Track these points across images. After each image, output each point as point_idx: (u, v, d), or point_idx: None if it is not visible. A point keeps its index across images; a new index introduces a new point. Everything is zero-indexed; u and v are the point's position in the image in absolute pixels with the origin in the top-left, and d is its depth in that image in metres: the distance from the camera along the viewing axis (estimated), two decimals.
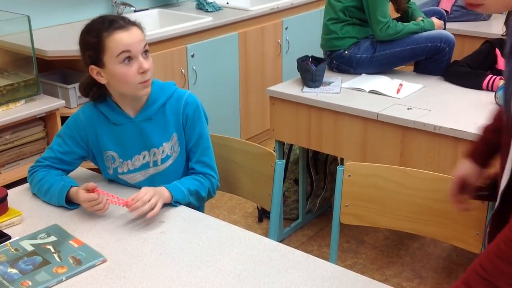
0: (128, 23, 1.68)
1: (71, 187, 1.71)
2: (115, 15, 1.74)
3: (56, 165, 1.82)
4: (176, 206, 1.73)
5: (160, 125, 1.79)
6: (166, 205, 1.71)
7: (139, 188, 1.71)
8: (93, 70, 1.70)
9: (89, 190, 1.65)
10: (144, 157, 1.82)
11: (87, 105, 1.84)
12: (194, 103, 1.82)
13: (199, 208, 1.92)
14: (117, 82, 1.70)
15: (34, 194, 1.80)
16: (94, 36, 1.66)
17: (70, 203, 1.71)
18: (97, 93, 1.77)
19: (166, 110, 1.80)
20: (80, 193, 1.66)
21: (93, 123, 1.80)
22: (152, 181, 1.82)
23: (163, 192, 1.70)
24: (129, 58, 1.66)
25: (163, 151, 1.81)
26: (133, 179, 1.84)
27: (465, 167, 1.50)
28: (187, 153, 1.86)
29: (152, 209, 1.62)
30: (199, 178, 1.82)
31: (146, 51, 1.70)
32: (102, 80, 1.71)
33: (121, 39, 1.65)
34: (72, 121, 1.83)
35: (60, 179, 1.75)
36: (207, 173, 1.84)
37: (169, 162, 1.83)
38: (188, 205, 1.76)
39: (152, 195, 1.64)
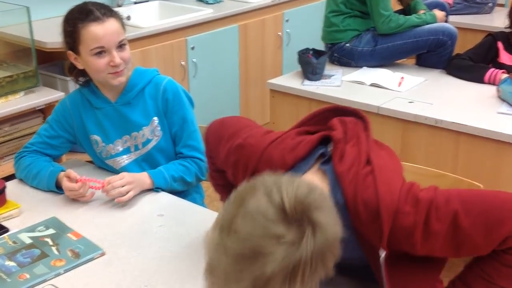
0: (104, 15, 1.69)
1: (61, 171, 1.74)
2: (95, 4, 1.74)
3: (43, 150, 1.86)
4: (157, 191, 1.75)
5: (139, 109, 1.82)
6: (148, 190, 1.74)
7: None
8: (71, 55, 1.76)
9: (70, 179, 1.68)
10: (125, 142, 1.84)
11: (74, 91, 1.89)
12: (173, 88, 1.84)
13: (196, 190, 1.94)
14: (90, 71, 1.76)
15: (22, 180, 1.82)
16: (71, 25, 1.71)
17: (59, 188, 1.74)
18: (78, 74, 1.81)
19: (145, 94, 1.82)
20: (63, 181, 1.70)
21: (78, 107, 1.84)
22: (138, 165, 1.85)
23: (143, 179, 1.73)
24: (102, 51, 1.70)
25: (143, 135, 1.83)
26: (118, 163, 1.86)
27: None
28: (173, 137, 1.87)
29: (122, 196, 1.65)
30: (185, 163, 1.83)
31: (122, 44, 1.72)
32: (79, 65, 1.76)
33: (95, 33, 1.67)
34: (59, 107, 1.88)
35: (49, 164, 1.80)
36: (195, 157, 1.85)
37: (151, 145, 1.84)
38: (172, 190, 1.78)
39: (126, 182, 1.67)
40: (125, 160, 1.86)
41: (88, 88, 1.83)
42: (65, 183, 1.68)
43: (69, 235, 1.52)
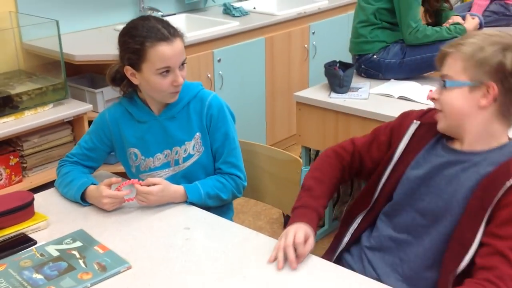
0: (172, 35, 1.68)
1: (92, 184, 1.75)
2: (159, 20, 1.71)
3: (83, 162, 1.87)
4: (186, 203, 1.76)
5: (183, 124, 1.81)
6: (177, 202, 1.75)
7: None
8: (128, 70, 1.73)
9: (119, 188, 1.70)
10: (166, 156, 1.83)
11: (113, 104, 1.89)
12: (218, 104, 1.82)
13: (228, 207, 1.93)
14: (149, 88, 1.74)
15: (61, 195, 1.82)
16: (137, 43, 1.66)
17: (84, 201, 1.74)
18: (127, 85, 1.79)
19: (190, 109, 1.81)
20: (101, 188, 1.69)
21: (117, 120, 1.83)
22: (176, 180, 1.82)
23: (176, 191, 1.73)
24: (167, 71, 1.68)
25: (185, 150, 1.82)
26: (157, 176, 1.84)
27: (310, 234, 1.50)
28: (213, 153, 1.86)
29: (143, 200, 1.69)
30: (223, 180, 1.82)
31: (183, 63, 1.72)
32: (135, 81, 1.74)
33: (164, 53, 1.66)
34: (98, 119, 1.88)
35: (83, 176, 1.80)
36: (233, 174, 1.84)
37: (191, 161, 1.83)
38: (206, 206, 1.77)
39: (157, 191, 1.68)
40: (162, 174, 1.84)
41: (130, 100, 1.83)
42: (106, 190, 1.68)
43: (96, 248, 1.52)
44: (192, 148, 1.82)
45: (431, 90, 1.53)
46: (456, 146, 1.50)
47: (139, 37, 1.67)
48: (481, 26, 3.06)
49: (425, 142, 1.56)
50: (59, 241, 1.55)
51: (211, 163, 1.86)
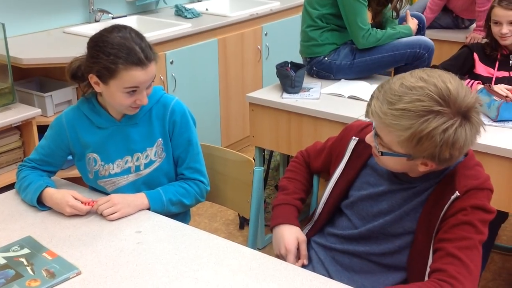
0: (148, 59, 1.64)
1: (47, 187, 1.71)
2: (136, 38, 1.65)
3: (41, 167, 1.85)
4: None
5: (145, 130, 1.79)
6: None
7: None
8: (93, 79, 1.68)
9: (83, 203, 1.68)
10: (126, 162, 1.80)
11: (70, 107, 1.85)
12: (181, 110, 1.81)
13: (186, 213, 1.94)
14: (111, 100, 1.71)
15: (7, 203, 1.78)
16: (111, 62, 1.61)
17: (41, 204, 1.71)
18: (88, 86, 1.74)
19: (152, 115, 1.79)
20: (68, 197, 1.67)
21: (75, 124, 1.80)
22: (136, 187, 1.81)
23: (137, 200, 1.72)
24: (134, 91, 1.66)
25: (146, 156, 1.80)
26: (115, 184, 1.82)
27: (295, 233, 1.65)
28: (175, 159, 1.85)
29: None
30: (186, 186, 1.82)
31: (150, 83, 1.70)
32: (98, 89, 1.70)
33: (136, 77, 1.63)
34: (55, 123, 1.84)
35: (39, 179, 1.77)
36: (196, 179, 1.84)
37: (153, 167, 1.81)
38: (169, 212, 1.76)
39: (112, 204, 1.67)
40: (122, 181, 1.82)
41: (88, 105, 1.78)
42: (73, 201, 1.67)
43: (44, 254, 1.49)
44: (154, 154, 1.80)
45: (368, 138, 1.47)
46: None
47: (114, 56, 1.61)
48: (424, 29, 3.15)
49: (362, 160, 1.59)
50: (6, 249, 1.52)
51: (172, 169, 1.85)
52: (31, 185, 1.75)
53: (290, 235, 1.63)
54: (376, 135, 1.43)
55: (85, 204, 1.68)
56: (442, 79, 1.34)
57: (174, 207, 1.78)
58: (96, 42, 1.65)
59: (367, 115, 1.42)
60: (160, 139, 1.80)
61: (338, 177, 1.63)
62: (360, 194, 1.57)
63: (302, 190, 1.76)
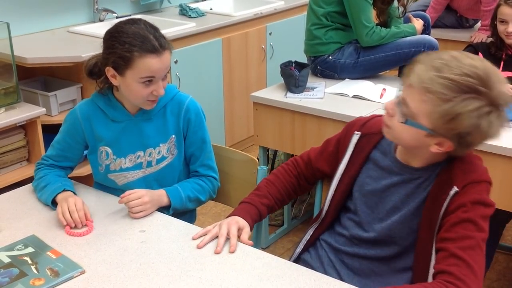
0: (162, 47, 1.65)
1: (64, 190, 1.72)
2: (150, 28, 1.68)
3: (59, 163, 1.85)
4: (167, 213, 1.74)
5: (159, 125, 1.80)
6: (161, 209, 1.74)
7: (129, 189, 1.73)
8: (110, 71, 1.69)
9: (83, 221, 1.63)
10: (138, 157, 1.82)
11: (84, 100, 1.85)
12: (195, 108, 1.83)
13: (192, 213, 1.96)
14: (129, 93, 1.72)
15: (13, 202, 1.78)
16: (126, 51, 1.63)
17: (55, 204, 1.71)
18: (104, 82, 1.76)
19: (166, 112, 1.80)
20: (69, 206, 1.64)
21: (89, 117, 1.80)
22: (147, 182, 1.82)
23: (160, 198, 1.73)
24: (150, 81, 1.67)
25: (159, 151, 1.81)
26: (125, 178, 1.83)
27: (238, 221, 1.59)
28: (188, 156, 1.87)
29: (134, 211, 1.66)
30: (201, 182, 1.84)
31: (165, 75, 1.70)
32: (115, 82, 1.71)
33: (151, 65, 1.64)
34: (69, 117, 1.84)
35: (58, 180, 1.78)
36: (210, 175, 1.87)
37: (164, 163, 1.82)
38: (185, 209, 1.81)
39: (142, 203, 1.66)
40: (133, 176, 1.83)
41: (104, 99, 1.79)
42: (67, 216, 1.61)
43: (48, 253, 1.49)
44: (166, 151, 1.81)
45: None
46: (405, 159, 1.50)
47: (129, 44, 1.62)
48: (429, 28, 3.14)
49: (364, 154, 1.58)
50: (11, 248, 1.52)
51: (182, 166, 1.87)
52: (48, 186, 1.75)
53: (237, 226, 1.56)
54: (402, 103, 1.36)
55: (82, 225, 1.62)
56: (488, 64, 1.34)
57: (191, 203, 1.82)
58: (112, 34, 1.68)
59: (404, 77, 1.36)
60: (173, 135, 1.81)
61: (342, 173, 1.61)
62: (363, 190, 1.57)
63: (274, 197, 1.69)
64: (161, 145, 1.81)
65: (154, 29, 1.69)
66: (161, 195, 1.75)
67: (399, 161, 1.51)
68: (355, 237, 1.58)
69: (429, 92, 1.30)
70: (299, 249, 1.70)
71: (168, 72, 1.72)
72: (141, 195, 1.67)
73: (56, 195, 1.71)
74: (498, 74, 1.33)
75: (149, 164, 1.82)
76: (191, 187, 1.82)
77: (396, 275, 1.52)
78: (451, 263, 1.33)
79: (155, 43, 1.64)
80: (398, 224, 1.50)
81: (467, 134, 1.31)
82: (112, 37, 1.67)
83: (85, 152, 1.90)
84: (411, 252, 1.50)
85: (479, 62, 1.32)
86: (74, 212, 1.62)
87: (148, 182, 1.83)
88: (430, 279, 1.42)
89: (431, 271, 1.41)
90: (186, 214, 1.89)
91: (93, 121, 1.80)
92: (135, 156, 1.81)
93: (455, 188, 1.39)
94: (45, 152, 2.10)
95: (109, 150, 1.81)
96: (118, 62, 1.65)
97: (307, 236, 1.70)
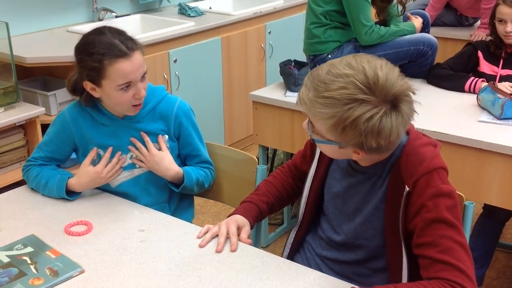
0: (130, 49, 1.64)
1: (68, 178, 1.76)
2: (115, 33, 1.66)
3: (48, 163, 1.86)
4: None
5: (148, 127, 1.80)
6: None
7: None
8: (88, 85, 1.69)
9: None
10: (131, 157, 1.82)
11: (73, 104, 1.85)
12: (186, 110, 1.85)
13: (189, 206, 1.96)
14: (111, 102, 1.72)
15: (12, 201, 1.78)
16: (95, 61, 1.62)
17: (69, 194, 1.76)
18: (88, 96, 1.75)
19: (155, 114, 1.81)
20: (92, 171, 1.75)
21: (79, 121, 1.81)
22: (138, 182, 1.84)
23: (174, 167, 1.80)
24: (128, 86, 1.66)
25: None
26: (118, 179, 1.84)
27: (238, 219, 1.60)
28: (183, 156, 1.89)
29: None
30: (206, 170, 1.89)
31: (144, 74, 1.69)
32: (96, 94, 1.71)
33: (123, 69, 1.63)
34: (58, 120, 1.85)
35: (55, 173, 1.80)
36: (209, 167, 1.92)
37: None
38: (190, 192, 1.89)
39: (146, 155, 1.77)
40: (127, 176, 1.84)
41: (92, 106, 1.79)
42: (100, 167, 1.75)
43: (47, 253, 1.49)
44: (158, 151, 1.81)
45: (303, 127, 1.43)
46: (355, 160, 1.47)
47: (96, 54, 1.62)
48: (428, 26, 3.14)
49: (328, 156, 1.53)
50: (10, 247, 1.52)
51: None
52: (50, 181, 1.77)
53: (236, 224, 1.56)
54: (309, 122, 1.39)
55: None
56: (372, 65, 1.28)
57: (197, 187, 1.86)
58: (79, 47, 1.68)
59: (296, 103, 1.37)
60: (164, 135, 1.82)
61: (313, 176, 1.60)
62: (330, 192, 1.57)
63: (274, 195, 1.70)
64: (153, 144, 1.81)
65: (120, 34, 1.67)
66: (170, 169, 1.79)
67: (353, 162, 1.49)
68: (331, 240, 1.58)
69: (315, 114, 1.32)
70: (286, 252, 1.69)
71: (145, 73, 1.71)
72: (151, 148, 1.76)
73: (67, 185, 1.75)
74: (379, 72, 1.27)
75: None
76: (197, 172, 1.86)
77: (376, 275, 1.52)
78: (438, 269, 1.30)
79: (121, 47, 1.62)
80: (361, 225, 1.49)
81: (365, 141, 1.28)
82: (80, 51, 1.67)
83: (74, 155, 1.91)
84: (382, 254, 1.48)
85: (356, 66, 1.28)
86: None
87: (140, 182, 1.84)
88: (404, 279, 1.42)
89: (405, 273, 1.41)
90: (182, 207, 1.93)
91: (82, 124, 1.81)
92: (128, 156, 1.82)
93: (407, 188, 1.36)
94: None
95: (100, 152, 1.81)
96: (91, 74, 1.65)
97: (290, 240, 1.70)
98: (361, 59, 1.31)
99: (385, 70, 1.29)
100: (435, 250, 1.32)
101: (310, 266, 1.60)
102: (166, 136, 1.83)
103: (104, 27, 1.70)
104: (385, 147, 1.32)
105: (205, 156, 1.91)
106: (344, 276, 1.54)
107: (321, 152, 1.57)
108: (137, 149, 1.79)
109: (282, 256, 1.70)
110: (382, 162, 1.43)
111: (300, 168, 1.72)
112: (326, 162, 1.58)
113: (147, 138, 1.78)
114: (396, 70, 1.31)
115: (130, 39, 1.68)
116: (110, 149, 1.78)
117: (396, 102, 1.28)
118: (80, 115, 1.81)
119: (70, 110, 1.83)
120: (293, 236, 1.69)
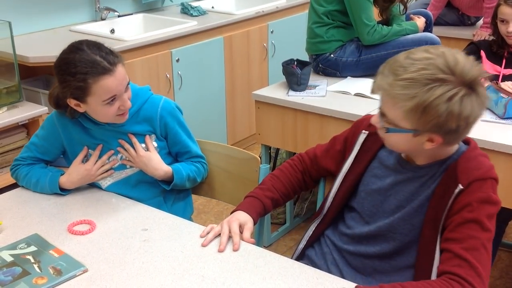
0: (112, 64, 1.62)
1: (60, 175, 1.79)
2: (94, 49, 1.63)
3: (36, 162, 1.88)
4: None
5: (134, 129, 1.80)
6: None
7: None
8: (72, 102, 1.69)
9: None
10: (121, 158, 1.83)
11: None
12: (170, 109, 1.83)
13: (187, 203, 1.97)
14: (97, 115, 1.73)
15: (15, 201, 1.79)
16: (80, 81, 1.61)
17: (63, 190, 1.80)
18: (73, 110, 1.74)
19: (139, 116, 1.81)
20: (82, 168, 1.78)
21: (66, 124, 1.81)
22: (130, 181, 1.85)
23: (162, 167, 1.80)
24: (113, 99, 1.66)
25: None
26: (108, 180, 1.84)
27: (242, 216, 1.60)
28: (173, 153, 1.89)
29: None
30: (197, 165, 1.90)
31: (127, 86, 1.70)
32: (80, 110, 1.71)
33: (108, 85, 1.62)
34: (46, 123, 1.86)
35: (46, 171, 1.82)
36: (201, 161, 1.92)
37: None
38: (182, 187, 1.88)
39: (134, 156, 1.78)
40: (116, 176, 1.84)
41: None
42: (89, 165, 1.78)
43: (51, 252, 1.50)
44: (145, 151, 1.81)
45: (372, 116, 1.46)
46: (410, 157, 1.50)
47: (79, 74, 1.60)
48: (431, 25, 3.13)
49: (371, 154, 1.58)
50: (13, 246, 1.52)
51: (165, 163, 1.86)
52: (42, 179, 1.79)
53: (238, 222, 1.56)
54: (382, 114, 1.41)
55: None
56: (450, 51, 1.34)
57: (188, 183, 1.87)
58: (60, 67, 1.65)
59: (372, 92, 1.40)
60: (152, 135, 1.83)
61: (347, 172, 1.61)
62: (369, 189, 1.56)
63: (279, 191, 1.70)
64: (141, 145, 1.82)
65: (99, 48, 1.64)
66: (158, 169, 1.80)
67: (404, 160, 1.51)
68: (357, 235, 1.58)
69: (394, 97, 1.33)
70: (302, 245, 1.70)
71: (128, 82, 1.70)
72: (138, 149, 1.77)
73: (59, 182, 1.77)
74: (458, 56, 1.33)
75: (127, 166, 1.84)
76: (188, 168, 1.86)
77: (398, 273, 1.52)
78: (455, 264, 1.32)
79: (104, 64, 1.61)
80: (400, 220, 1.50)
81: (445, 122, 1.31)
82: (61, 71, 1.64)
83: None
84: (412, 250, 1.49)
85: (434, 51, 1.34)
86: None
87: (131, 182, 1.85)
88: (433, 277, 1.42)
89: (435, 270, 1.41)
90: (181, 204, 1.94)
91: (70, 127, 1.81)
92: (118, 157, 1.83)
93: (460, 186, 1.38)
94: None
95: (91, 152, 1.82)
96: (76, 93, 1.64)
97: (309, 232, 1.70)
98: (438, 47, 1.37)
99: (462, 55, 1.34)
100: (460, 246, 1.34)
101: (325, 261, 1.60)
102: (154, 136, 1.83)
103: (81, 43, 1.65)
104: (461, 131, 1.35)
105: (195, 151, 1.91)
106: (363, 272, 1.54)
107: (360, 149, 1.58)
108: (126, 150, 1.80)
109: (296, 250, 1.71)
110: (438, 163, 1.45)
111: (320, 163, 1.72)
112: (367, 158, 1.58)
113: (134, 140, 1.79)
114: (471, 57, 1.36)
115: (111, 52, 1.66)
116: (99, 147, 1.79)
117: (473, 85, 1.32)
118: (67, 120, 1.80)
119: (57, 114, 1.83)
120: (313, 229, 1.69)
